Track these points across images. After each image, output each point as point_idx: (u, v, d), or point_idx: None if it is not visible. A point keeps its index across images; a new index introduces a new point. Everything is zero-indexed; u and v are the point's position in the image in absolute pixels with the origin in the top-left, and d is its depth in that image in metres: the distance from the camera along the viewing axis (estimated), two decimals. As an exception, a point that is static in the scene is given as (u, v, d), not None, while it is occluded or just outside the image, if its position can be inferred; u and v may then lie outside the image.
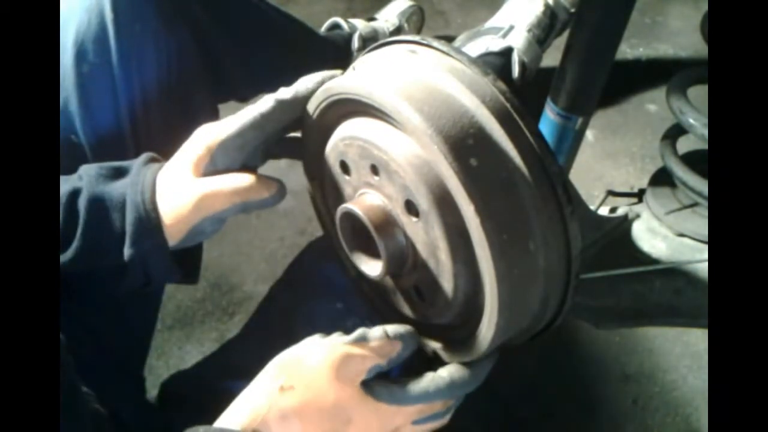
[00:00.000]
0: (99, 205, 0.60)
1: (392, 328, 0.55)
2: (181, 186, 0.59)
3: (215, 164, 0.59)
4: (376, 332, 0.55)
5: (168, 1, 0.80)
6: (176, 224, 0.59)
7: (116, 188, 0.61)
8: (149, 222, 0.59)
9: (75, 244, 0.60)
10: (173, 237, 0.60)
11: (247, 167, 0.61)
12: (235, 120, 0.59)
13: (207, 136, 0.59)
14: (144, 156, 0.64)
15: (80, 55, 0.74)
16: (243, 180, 0.59)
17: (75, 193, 0.60)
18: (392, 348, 0.55)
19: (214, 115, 0.92)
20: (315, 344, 0.55)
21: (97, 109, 0.76)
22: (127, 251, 0.60)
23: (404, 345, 0.55)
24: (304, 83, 0.59)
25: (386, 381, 0.55)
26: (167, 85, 0.80)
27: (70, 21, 0.75)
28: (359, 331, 0.55)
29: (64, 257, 0.60)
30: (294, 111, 0.59)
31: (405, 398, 0.54)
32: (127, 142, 0.78)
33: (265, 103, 0.58)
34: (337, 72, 0.59)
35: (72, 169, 0.64)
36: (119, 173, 0.62)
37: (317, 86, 0.58)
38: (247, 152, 0.60)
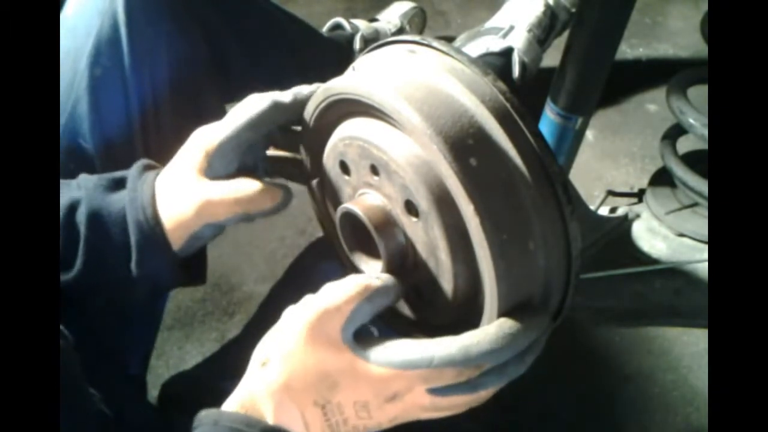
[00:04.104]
0: (98, 220, 0.59)
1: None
2: (183, 191, 0.59)
3: (213, 167, 0.59)
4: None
5: (179, 4, 0.80)
6: (177, 230, 0.59)
7: (114, 201, 0.60)
8: (155, 241, 0.59)
9: (78, 260, 0.59)
10: (174, 243, 0.59)
11: (248, 171, 0.60)
12: (231, 121, 0.58)
13: (204, 139, 0.59)
14: (137, 166, 0.63)
15: (95, 58, 0.75)
16: (247, 189, 0.58)
17: (73, 207, 0.60)
18: (367, 285, 0.50)
19: (221, 116, 0.92)
20: (288, 312, 0.52)
21: (107, 111, 0.77)
22: (134, 270, 0.59)
23: (383, 279, 0.52)
24: (302, 88, 0.59)
25: (376, 339, 0.50)
26: (177, 87, 0.81)
27: (83, 24, 0.75)
28: (328, 284, 0.51)
29: (69, 275, 0.59)
30: (289, 114, 0.59)
31: (385, 356, 0.48)
32: (136, 144, 0.79)
33: (261, 102, 0.58)
34: None
35: (77, 175, 0.64)
36: (117, 184, 0.62)
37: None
38: (243, 152, 0.59)
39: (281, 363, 0.49)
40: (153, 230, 0.59)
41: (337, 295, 0.50)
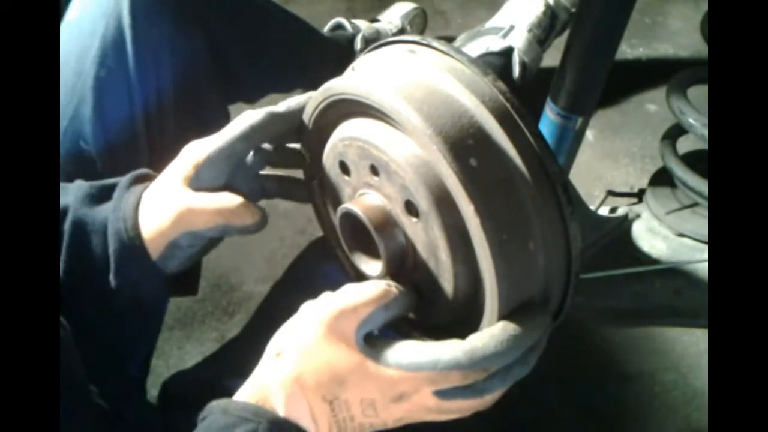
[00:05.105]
0: (81, 230, 0.60)
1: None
2: (165, 200, 0.59)
3: (200, 178, 0.59)
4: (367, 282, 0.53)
5: (183, 6, 0.81)
6: (156, 238, 0.59)
7: (99, 212, 0.60)
8: (133, 250, 0.59)
9: (60, 268, 0.59)
10: (153, 252, 0.59)
11: (233, 188, 0.60)
12: (224, 134, 0.59)
13: (194, 152, 0.59)
14: (128, 176, 0.63)
15: (100, 59, 0.75)
16: (229, 201, 0.58)
17: (63, 213, 0.60)
18: (387, 291, 0.52)
19: (224, 118, 0.92)
20: (306, 306, 0.53)
21: (111, 113, 0.77)
22: (112, 280, 0.59)
23: (401, 290, 0.53)
24: (296, 99, 0.59)
25: (384, 341, 0.51)
26: (181, 89, 0.82)
27: (88, 26, 0.76)
28: (348, 285, 0.53)
29: None
30: (284, 124, 0.59)
31: (392, 357, 0.49)
32: (139, 146, 0.79)
33: (256, 114, 0.58)
34: None
35: (76, 178, 0.64)
36: (106, 193, 0.62)
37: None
38: (234, 164, 0.59)
39: (296, 355, 0.50)
40: (132, 240, 0.59)
41: (357, 296, 0.51)
